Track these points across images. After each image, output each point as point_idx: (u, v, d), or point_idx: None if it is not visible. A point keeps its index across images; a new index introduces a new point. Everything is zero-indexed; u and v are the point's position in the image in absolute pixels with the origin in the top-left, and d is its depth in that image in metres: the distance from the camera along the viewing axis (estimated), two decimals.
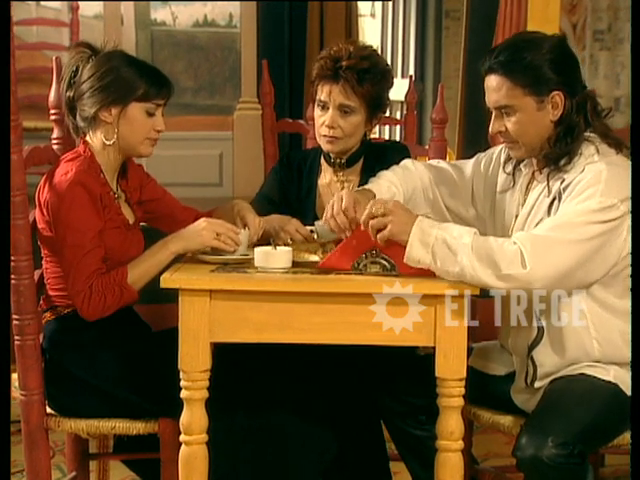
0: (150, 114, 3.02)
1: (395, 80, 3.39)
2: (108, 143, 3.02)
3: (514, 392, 2.94)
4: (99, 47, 3.05)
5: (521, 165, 2.95)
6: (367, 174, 3.22)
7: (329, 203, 2.88)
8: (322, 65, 3.23)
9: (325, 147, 3.30)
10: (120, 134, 3.01)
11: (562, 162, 2.80)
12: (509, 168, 2.98)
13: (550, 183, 2.82)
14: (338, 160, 3.33)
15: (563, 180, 2.79)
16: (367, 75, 3.20)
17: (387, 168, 3.08)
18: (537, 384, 2.86)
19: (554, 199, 2.80)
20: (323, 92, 3.24)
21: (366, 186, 3.00)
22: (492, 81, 2.81)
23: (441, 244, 2.66)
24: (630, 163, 2.60)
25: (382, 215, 2.71)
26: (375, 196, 2.92)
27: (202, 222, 2.97)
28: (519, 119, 2.80)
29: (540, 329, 2.83)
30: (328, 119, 3.24)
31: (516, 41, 2.88)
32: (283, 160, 3.47)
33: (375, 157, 3.32)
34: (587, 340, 2.80)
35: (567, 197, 2.75)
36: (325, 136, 3.26)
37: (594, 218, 2.67)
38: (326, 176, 3.37)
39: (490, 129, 2.86)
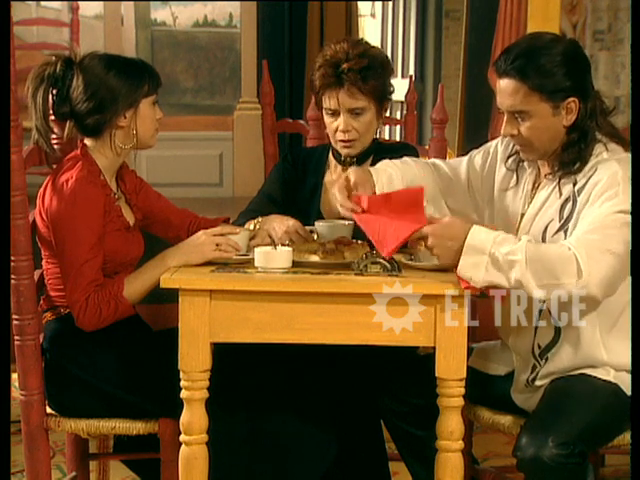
0: (154, 104, 3.06)
1: (395, 80, 3.38)
2: (126, 147, 3.04)
3: (514, 391, 2.94)
4: (70, 55, 3.04)
5: (524, 163, 2.95)
6: None
7: (336, 184, 2.87)
8: (323, 73, 3.18)
9: (344, 152, 3.27)
10: (137, 133, 3.03)
11: (576, 166, 2.80)
12: (510, 163, 2.97)
13: (561, 184, 2.82)
14: (348, 158, 3.31)
15: (575, 182, 2.79)
16: (369, 72, 3.18)
17: None
18: (538, 382, 2.86)
19: (566, 200, 2.79)
20: (331, 100, 3.20)
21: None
22: (507, 85, 2.78)
23: (493, 264, 2.63)
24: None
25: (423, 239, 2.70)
26: (372, 174, 2.93)
27: (201, 236, 2.94)
28: (534, 124, 2.78)
29: (557, 330, 2.82)
30: (342, 124, 3.21)
31: (532, 46, 2.82)
32: (287, 157, 3.43)
33: (385, 156, 3.29)
34: (597, 348, 2.80)
35: (587, 201, 2.73)
36: (342, 141, 3.24)
37: (624, 219, 2.65)
38: (334, 173, 3.35)
39: (502, 131, 2.83)
